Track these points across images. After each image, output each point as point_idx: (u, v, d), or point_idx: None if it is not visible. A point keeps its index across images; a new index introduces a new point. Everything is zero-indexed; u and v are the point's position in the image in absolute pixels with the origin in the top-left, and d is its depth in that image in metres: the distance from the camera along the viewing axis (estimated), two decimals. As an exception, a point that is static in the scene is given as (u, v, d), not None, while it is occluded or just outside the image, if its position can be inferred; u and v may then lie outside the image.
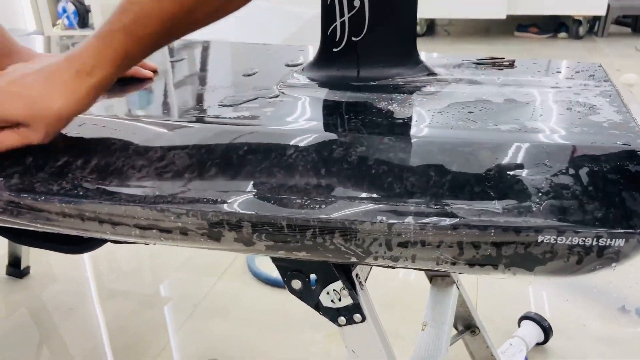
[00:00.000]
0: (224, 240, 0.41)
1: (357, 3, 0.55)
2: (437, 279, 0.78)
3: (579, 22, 3.40)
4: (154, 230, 0.42)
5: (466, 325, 0.81)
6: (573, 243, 0.36)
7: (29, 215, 0.44)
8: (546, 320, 0.96)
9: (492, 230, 0.36)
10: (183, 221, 0.40)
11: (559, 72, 0.60)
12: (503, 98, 0.51)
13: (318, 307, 0.48)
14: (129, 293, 1.19)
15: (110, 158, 0.45)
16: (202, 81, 0.67)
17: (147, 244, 0.49)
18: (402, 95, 0.53)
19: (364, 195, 0.39)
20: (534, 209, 0.36)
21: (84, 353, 1.02)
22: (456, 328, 0.82)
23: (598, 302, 1.08)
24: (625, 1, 3.38)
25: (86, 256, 1.32)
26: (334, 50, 0.58)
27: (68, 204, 0.42)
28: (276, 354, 0.99)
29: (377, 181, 0.40)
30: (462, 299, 0.78)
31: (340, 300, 0.47)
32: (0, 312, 1.13)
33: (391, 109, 0.49)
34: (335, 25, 0.57)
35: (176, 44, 0.88)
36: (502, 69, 0.61)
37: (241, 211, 0.39)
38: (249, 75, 0.64)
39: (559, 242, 0.36)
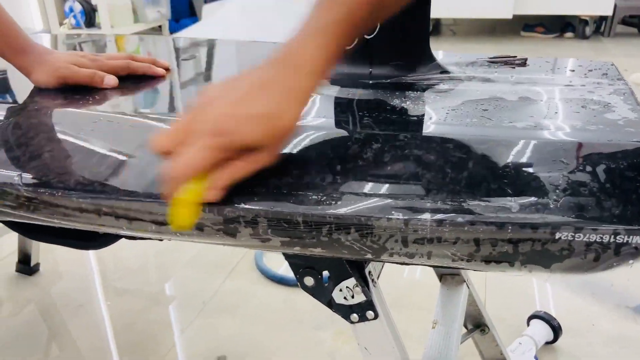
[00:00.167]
0: (239, 236, 0.41)
1: (370, 1, 0.55)
2: (447, 277, 0.78)
3: (586, 22, 3.38)
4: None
5: (476, 324, 0.81)
6: (590, 240, 0.36)
7: (46, 210, 0.44)
8: (555, 319, 0.96)
9: (510, 227, 0.36)
10: (199, 217, 0.41)
11: (572, 71, 0.60)
12: (517, 96, 0.51)
13: (330, 304, 0.48)
14: (137, 291, 1.19)
15: (126, 154, 0.45)
16: (214, 79, 0.67)
17: (161, 240, 0.49)
18: (415, 92, 0.53)
19: (380, 191, 0.39)
20: (551, 206, 0.36)
21: (93, 350, 1.03)
22: (465, 327, 0.81)
23: (608, 301, 1.07)
24: (632, 1, 3.36)
25: (96, 254, 1.33)
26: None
27: (85, 199, 0.42)
28: (284, 352, 0.99)
29: (393, 177, 0.40)
30: (472, 297, 0.78)
31: (353, 297, 0.47)
32: (10, 308, 1.14)
33: (405, 107, 0.50)
34: (348, 23, 0.57)
35: (184, 43, 0.88)
36: (514, 67, 0.61)
37: (257, 207, 0.40)
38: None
39: (576, 239, 0.36)
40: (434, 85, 0.55)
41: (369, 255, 0.40)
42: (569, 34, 3.49)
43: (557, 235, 0.36)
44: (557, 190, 0.37)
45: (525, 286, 1.13)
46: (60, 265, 1.29)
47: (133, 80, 0.62)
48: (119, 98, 0.57)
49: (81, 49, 0.88)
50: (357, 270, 0.47)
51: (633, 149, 0.39)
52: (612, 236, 0.35)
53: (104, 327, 1.09)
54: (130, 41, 1.00)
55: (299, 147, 0.43)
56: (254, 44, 0.80)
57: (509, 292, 1.12)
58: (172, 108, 0.58)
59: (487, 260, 0.38)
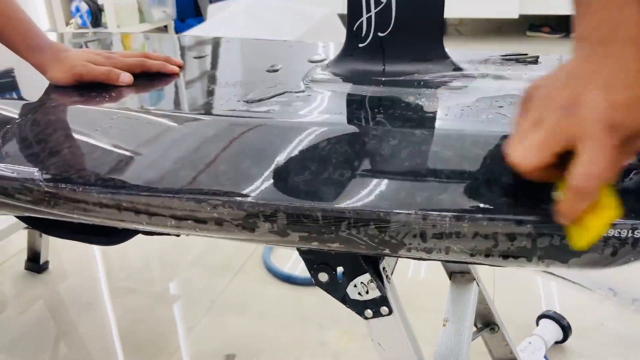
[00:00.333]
0: (258, 231, 0.41)
1: (384, -2, 0.55)
2: (457, 275, 0.78)
3: (592, 22, 3.37)
4: (190, 221, 0.42)
5: (485, 322, 0.81)
6: (608, 235, 0.36)
7: (66, 206, 0.44)
8: (565, 318, 0.96)
9: (529, 222, 0.36)
10: (219, 212, 0.41)
11: (585, 68, 0.60)
12: (531, 93, 0.51)
13: (345, 300, 0.49)
14: (145, 289, 1.20)
15: (144, 150, 0.46)
16: (227, 77, 0.67)
17: (178, 235, 0.50)
18: (429, 89, 0.53)
19: (398, 187, 0.39)
20: (570, 201, 0.36)
21: (102, 348, 1.03)
22: (475, 325, 0.82)
23: (617, 301, 1.07)
24: (638, 1, 3.35)
25: (104, 252, 1.33)
26: (360, 45, 0.58)
27: (105, 194, 0.43)
28: (292, 350, 1.00)
29: (411, 173, 0.40)
30: (482, 295, 0.78)
31: (367, 293, 0.48)
32: (19, 306, 1.14)
33: (420, 103, 0.50)
34: (362, 21, 0.57)
35: (196, 41, 0.89)
36: (526, 65, 0.61)
37: (277, 202, 0.40)
38: (272, 71, 0.64)
39: (595, 234, 0.36)
40: (447, 82, 0.55)
41: (387, 251, 0.40)
42: (574, 34, 3.48)
43: (576, 230, 0.36)
44: None
45: (534, 285, 1.13)
46: (69, 263, 1.29)
47: (147, 77, 0.62)
48: (135, 95, 0.58)
49: (87, 48, 0.89)
50: (372, 265, 0.47)
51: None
52: (630, 231, 0.36)
53: (112, 325, 1.09)
54: (136, 39, 1.01)
55: (316, 144, 0.44)
56: (261, 42, 0.81)
57: (518, 292, 1.12)
58: (186, 105, 0.58)
59: (505, 256, 0.38)
